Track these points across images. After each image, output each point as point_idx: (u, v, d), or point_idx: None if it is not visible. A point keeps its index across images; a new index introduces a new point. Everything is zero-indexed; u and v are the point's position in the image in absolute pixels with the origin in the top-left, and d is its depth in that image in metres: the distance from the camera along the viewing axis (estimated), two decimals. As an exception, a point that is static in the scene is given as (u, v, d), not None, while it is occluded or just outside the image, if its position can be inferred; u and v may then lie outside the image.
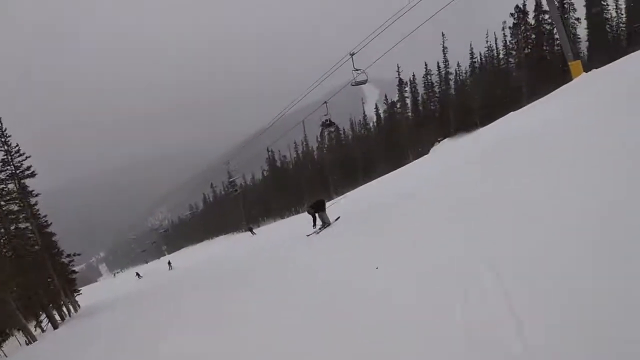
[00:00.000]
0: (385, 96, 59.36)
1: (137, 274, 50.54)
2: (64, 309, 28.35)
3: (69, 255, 31.17)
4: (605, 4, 41.93)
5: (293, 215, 64.67)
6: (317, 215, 13.94)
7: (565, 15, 39.24)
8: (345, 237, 10.41)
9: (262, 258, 14.50)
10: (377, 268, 6.13)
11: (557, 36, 40.10)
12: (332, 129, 23.67)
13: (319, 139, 66.53)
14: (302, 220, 20.13)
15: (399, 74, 53.98)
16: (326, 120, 20.42)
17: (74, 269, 33.31)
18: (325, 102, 19.50)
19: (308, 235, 13.83)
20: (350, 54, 18.06)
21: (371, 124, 65.93)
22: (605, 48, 38.48)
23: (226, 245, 40.30)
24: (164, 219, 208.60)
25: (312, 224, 13.91)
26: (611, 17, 42.70)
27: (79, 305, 31.95)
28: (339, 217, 14.29)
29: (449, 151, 23.26)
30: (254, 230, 45.89)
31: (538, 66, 40.14)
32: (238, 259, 18.36)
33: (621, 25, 42.55)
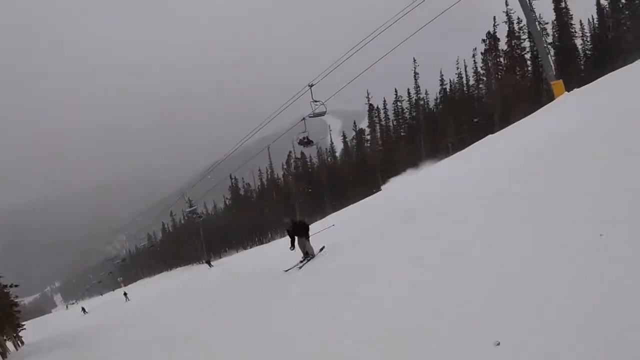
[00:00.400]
0: (354, 122, 57.33)
1: (83, 309, 46.32)
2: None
3: (5, 287, 26.92)
4: (573, 30, 42.24)
5: (256, 245, 61.58)
6: (297, 240, 11.99)
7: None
8: (334, 279, 8.36)
9: (224, 301, 12.53)
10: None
11: (529, 62, 42.21)
12: (310, 146, 22.35)
13: (285, 166, 63.62)
14: (269, 250, 18.10)
15: (368, 100, 52.74)
16: (304, 138, 19.98)
17: (18, 300, 29.61)
18: (304, 119, 19.11)
19: (286, 271, 11.65)
20: (309, 85, 18.23)
21: (338, 153, 63.89)
22: (575, 74, 38.30)
23: (185, 279, 37.08)
24: (122, 248, 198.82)
25: (290, 245, 12.06)
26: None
27: (21, 343, 27.37)
28: (323, 247, 11.96)
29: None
30: (211, 263, 44.09)
31: (511, 91, 40.13)
32: (196, 298, 16.59)
33: (587, 52, 42.78)
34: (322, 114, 18.70)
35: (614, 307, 2.95)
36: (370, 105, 53.06)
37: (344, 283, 7.59)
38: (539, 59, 39.41)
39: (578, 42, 42.62)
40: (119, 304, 38.22)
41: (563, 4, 41.07)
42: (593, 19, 42.50)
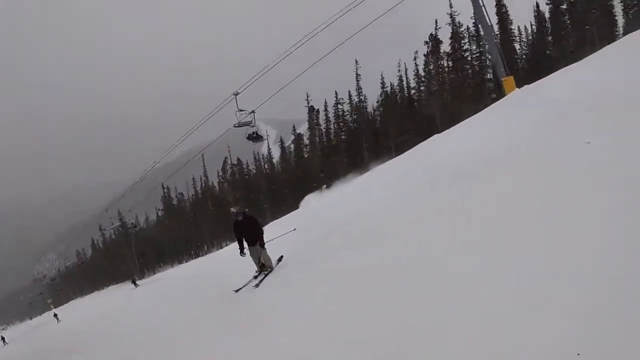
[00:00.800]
0: (294, 127, 54.50)
1: (2, 339, 41.36)
2: None
3: None
4: (513, 36, 42.98)
5: (192, 258, 57.16)
6: (247, 246, 9.25)
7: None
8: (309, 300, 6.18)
9: (154, 337, 9.12)
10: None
11: (474, 63, 42.50)
12: (259, 142, 21.70)
13: (221, 173, 59.45)
14: (207, 264, 15.28)
15: (308, 102, 50.31)
16: (253, 133, 18.86)
17: None
18: (253, 111, 17.94)
19: (237, 291, 8.94)
20: (234, 94, 17.75)
21: (275, 159, 60.90)
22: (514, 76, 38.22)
23: (114, 303, 32.83)
24: (52, 267, 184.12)
25: (239, 250, 9.24)
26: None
27: None
28: (282, 257, 9.67)
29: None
30: (137, 282, 42.03)
31: (454, 92, 40.79)
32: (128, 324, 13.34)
33: (524, 55, 43.75)
34: (249, 123, 18.16)
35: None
36: (311, 107, 50.66)
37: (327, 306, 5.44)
38: (485, 59, 41.16)
39: (517, 46, 43.64)
40: (48, 328, 34.81)
41: (504, 9, 41.94)
42: (532, 24, 43.84)
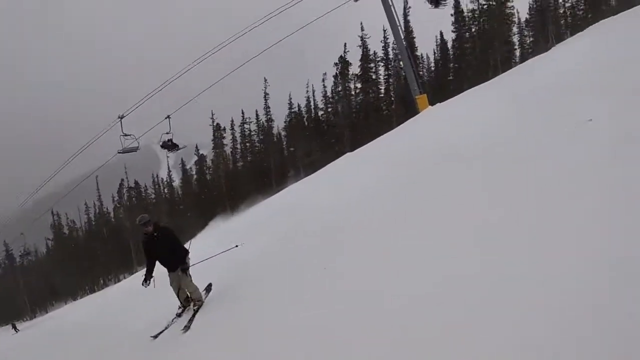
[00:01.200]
0: (197, 146, 51.25)
1: None
2: None
3: None
4: (420, 62, 44.35)
5: (87, 294, 51.40)
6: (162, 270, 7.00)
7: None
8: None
9: None
10: None
11: (381, 86, 43.95)
12: (175, 151, 19.40)
13: (117, 198, 54.18)
14: (108, 298, 15.04)
15: (213, 120, 47.70)
16: (168, 141, 17.55)
17: None
18: (169, 117, 17.19)
19: (155, 337, 6.63)
20: (119, 117, 16.82)
21: (176, 183, 57.33)
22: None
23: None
24: None
25: (144, 278, 6.87)
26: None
27: None
28: (210, 286, 7.45)
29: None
30: (17, 327, 37.18)
31: (363, 112, 42.06)
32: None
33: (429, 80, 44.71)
34: (135, 149, 17.14)
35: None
36: (217, 125, 48.11)
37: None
38: (392, 82, 42.94)
39: (423, 71, 45.01)
40: None
41: (411, 36, 43.31)
42: (435, 52, 46.22)
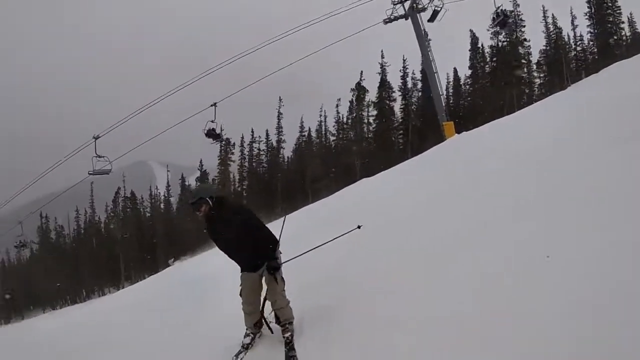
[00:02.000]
0: (201, 161, 49.65)
1: None
2: None
3: None
4: None
5: (68, 305, 48.95)
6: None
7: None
8: None
9: None
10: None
11: (399, 113, 43.35)
12: (218, 142, 19.90)
13: (111, 206, 51.82)
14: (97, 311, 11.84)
15: (222, 130, 45.74)
16: (212, 130, 17.47)
17: None
18: (215, 104, 16.94)
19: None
20: (94, 137, 16.73)
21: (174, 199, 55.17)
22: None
23: None
24: None
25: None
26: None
27: None
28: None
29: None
30: None
31: (380, 140, 41.69)
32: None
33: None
34: (107, 172, 17.23)
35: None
36: (227, 140, 46.50)
37: None
38: (410, 110, 42.35)
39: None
40: None
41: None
42: (447, 86, 45.18)
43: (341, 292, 4.71)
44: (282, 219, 5.19)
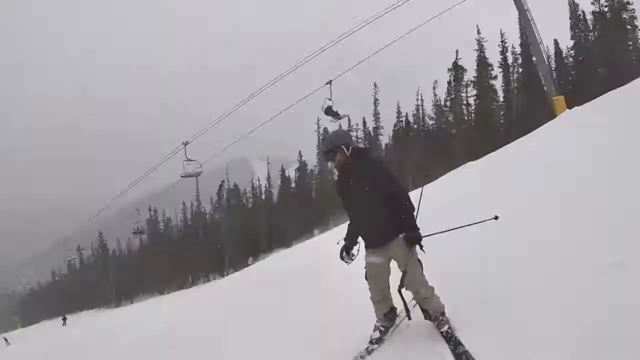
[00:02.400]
0: (300, 152, 50.24)
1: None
2: None
3: None
4: None
5: (166, 294, 50.92)
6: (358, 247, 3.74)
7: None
8: None
9: None
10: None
11: (501, 94, 40.13)
12: (337, 119, 18.75)
13: (216, 198, 54.13)
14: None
15: (318, 126, 46.65)
16: (330, 107, 17.12)
17: None
18: (330, 82, 16.90)
19: None
20: (183, 143, 17.57)
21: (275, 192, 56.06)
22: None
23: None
24: (27, 282, 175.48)
25: (345, 251, 3.72)
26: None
27: None
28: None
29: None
30: (66, 320, 39.47)
31: (481, 122, 38.87)
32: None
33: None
34: (198, 174, 18.05)
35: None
36: (325, 129, 46.87)
37: None
38: (512, 88, 39.56)
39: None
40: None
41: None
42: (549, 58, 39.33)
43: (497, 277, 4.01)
44: (420, 189, 4.38)
